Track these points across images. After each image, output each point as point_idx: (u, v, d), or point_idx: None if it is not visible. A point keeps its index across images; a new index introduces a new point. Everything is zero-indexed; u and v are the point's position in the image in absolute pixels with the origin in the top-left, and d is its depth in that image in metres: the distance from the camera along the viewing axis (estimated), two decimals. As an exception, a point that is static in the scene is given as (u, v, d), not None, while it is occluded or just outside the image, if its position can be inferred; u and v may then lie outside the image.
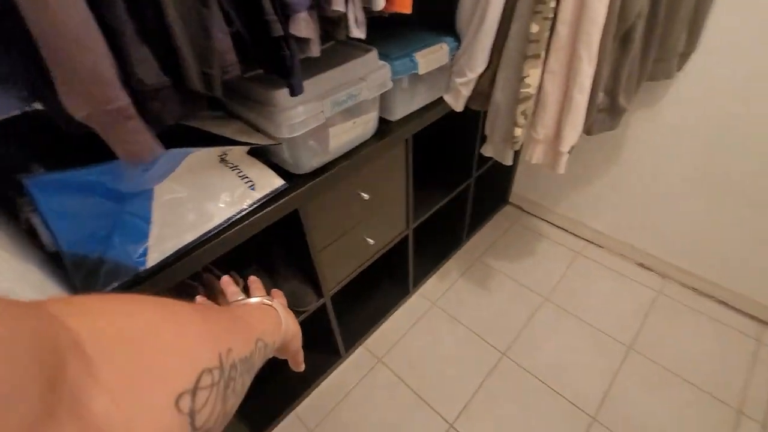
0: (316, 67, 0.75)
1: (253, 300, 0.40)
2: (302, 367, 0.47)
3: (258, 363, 0.30)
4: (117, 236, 0.62)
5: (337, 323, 1.21)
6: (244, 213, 0.75)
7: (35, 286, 0.47)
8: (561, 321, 1.43)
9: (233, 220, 0.74)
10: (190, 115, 0.46)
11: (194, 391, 0.20)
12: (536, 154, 0.95)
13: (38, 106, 0.40)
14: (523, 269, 1.62)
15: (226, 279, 0.49)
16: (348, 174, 0.90)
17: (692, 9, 0.92)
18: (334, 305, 1.14)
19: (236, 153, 0.79)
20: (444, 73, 1.03)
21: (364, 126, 0.90)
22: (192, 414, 0.19)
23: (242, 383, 0.26)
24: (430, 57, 0.92)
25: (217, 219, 0.72)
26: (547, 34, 0.78)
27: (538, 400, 1.23)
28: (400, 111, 0.99)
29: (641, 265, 1.59)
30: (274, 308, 0.39)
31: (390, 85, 0.86)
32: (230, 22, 0.47)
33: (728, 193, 1.25)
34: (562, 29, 0.77)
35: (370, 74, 0.81)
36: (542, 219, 1.83)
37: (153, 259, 0.65)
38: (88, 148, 0.50)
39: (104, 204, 0.61)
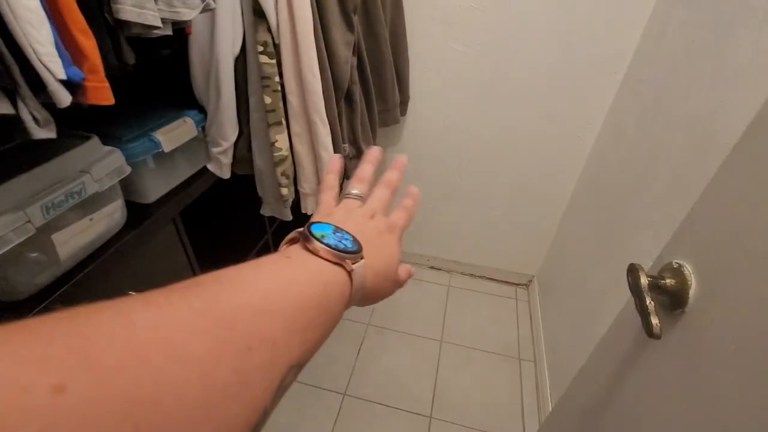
0: (13, 167, 0.61)
1: (328, 249, 0.25)
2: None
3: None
4: None
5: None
6: None
7: None
8: (385, 340, 1.55)
9: None
10: None
11: None
12: (309, 206, 1.02)
13: None
14: (343, 304, 1.69)
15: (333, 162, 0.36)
16: (100, 280, 0.76)
17: (393, 70, 1.17)
18: None
19: None
20: (201, 143, 1.00)
21: (107, 219, 0.78)
22: None
23: None
24: (174, 133, 0.87)
25: None
26: (281, 104, 0.86)
27: (382, 422, 1.30)
28: (155, 192, 0.90)
29: (432, 267, 1.89)
30: (347, 269, 0.25)
31: (128, 170, 0.77)
32: None
33: (467, 199, 1.63)
34: (293, 99, 0.86)
35: (94, 164, 0.71)
36: (349, 251, 1.97)
37: None
38: None
39: None
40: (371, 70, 1.04)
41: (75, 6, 0.50)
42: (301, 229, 0.26)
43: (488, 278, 1.85)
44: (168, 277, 0.97)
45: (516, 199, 1.58)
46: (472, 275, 1.86)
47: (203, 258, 1.10)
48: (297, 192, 1.03)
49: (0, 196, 0.58)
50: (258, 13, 0.77)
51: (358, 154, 1.10)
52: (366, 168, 0.37)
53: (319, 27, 0.80)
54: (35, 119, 0.50)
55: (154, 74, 0.90)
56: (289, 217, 1.07)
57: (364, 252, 0.27)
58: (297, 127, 0.89)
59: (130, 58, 0.64)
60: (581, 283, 1.22)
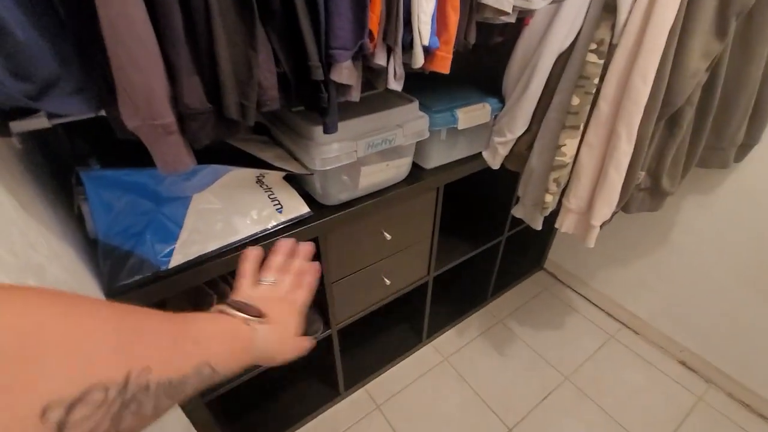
0: (358, 110, 0.80)
1: (239, 314, 0.36)
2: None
3: (196, 387, 0.28)
4: (149, 234, 0.68)
5: (341, 359, 1.19)
6: (267, 232, 0.79)
7: (66, 266, 0.53)
8: (580, 407, 1.30)
9: (256, 237, 0.78)
10: (223, 138, 0.51)
11: (72, 404, 0.18)
12: (567, 223, 0.92)
13: (103, 113, 0.47)
14: (547, 341, 1.52)
15: (250, 253, 0.44)
16: (373, 212, 0.93)
17: (753, 100, 0.88)
18: (341, 339, 1.13)
19: (272, 176, 0.85)
20: (485, 130, 1.06)
21: (396, 169, 0.93)
22: (61, 427, 0.18)
23: (155, 406, 0.23)
24: (471, 114, 0.95)
25: (241, 233, 0.76)
26: (587, 107, 0.78)
27: (541, 491, 1.12)
28: (435, 160, 1.02)
29: (683, 363, 1.43)
30: (251, 328, 0.36)
31: (426, 134, 0.89)
32: (279, 63, 0.53)
33: (790, 301, 1.12)
34: (604, 105, 0.77)
35: (407, 122, 0.85)
36: (576, 292, 1.73)
37: (176, 261, 0.70)
38: (141, 152, 0.57)
39: (144, 203, 0.68)
40: (721, 94, 0.81)
41: (458, -15, 0.58)
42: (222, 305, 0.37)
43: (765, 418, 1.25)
44: (413, 232, 1.10)
45: None
46: (747, 406, 1.30)
47: (443, 231, 1.19)
48: (557, 204, 0.95)
49: (344, 128, 0.78)
50: (608, 9, 0.71)
51: (653, 189, 0.91)
52: (275, 259, 0.45)
53: (677, 30, 0.67)
54: (395, 73, 0.62)
55: (475, 57, 0.99)
56: (539, 227, 1.01)
57: (269, 319, 0.38)
58: (593, 136, 0.80)
59: (473, 38, 0.71)
60: None
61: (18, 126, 0.46)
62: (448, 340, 1.53)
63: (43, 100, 0.40)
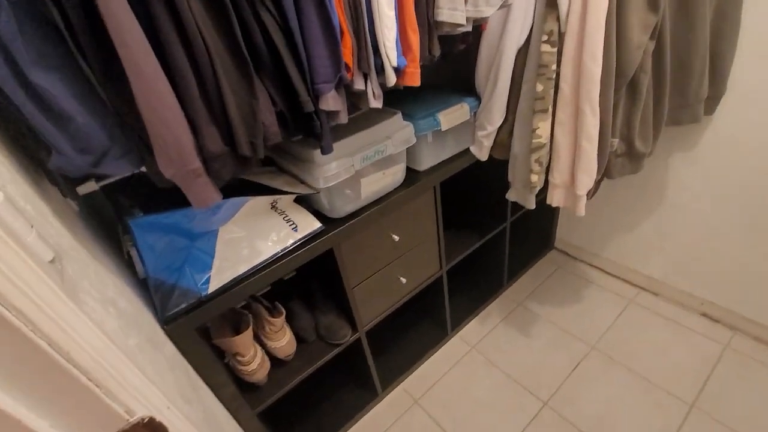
0: (349, 130, 0.91)
1: None
2: None
3: None
4: (188, 266, 0.79)
5: (374, 361, 1.27)
6: (287, 250, 0.89)
7: (129, 300, 0.64)
8: (609, 372, 1.35)
9: (278, 255, 0.88)
10: (240, 173, 0.61)
11: None
12: (556, 198, 1.00)
13: (143, 169, 0.58)
14: (568, 316, 1.57)
15: None
16: (378, 218, 1.02)
17: (707, 58, 0.95)
18: (371, 342, 1.21)
19: (284, 200, 0.95)
20: (469, 127, 1.15)
21: (392, 176, 1.02)
22: None
23: None
24: (452, 116, 1.04)
25: (265, 254, 0.86)
26: (552, 91, 0.87)
27: (583, 456, 1.16)
28: (426, 162, 1.11)
29: (705, 315, 1.46)
30: None
31: (414, 141, 0.99)
32: (275, 104, 0.64)
33: (790, 236, 1.16)
34: (565, 87, 0.85)
35: (395, 133, 0.95)
36: (590, 264, 1.77)
37: (213, 286, 0.80)
38: (172, 198, 0.68)
39: (181, 241, 0.78)
40: (673, 57, 0.89)
41: (413, 12, 0.69)
42: None
43: (806, 361, 1.27)
44: (418, 231, 1.18)
45: None
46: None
47: (449, 227, 1.27)
48: (546, 182, 1.03)
49: (341, 147, 0.88)
50: (550, 3, 0.80)
51: (629, 152, 0.98)
52: None
53: (614, 10, 0.76)
54: (374, 94, 0.72)
55: (447, 65, 1.09)
56: (533, 206, 1.08)
57: None
58: (562, 115, 0.89)
59: (437, 51, 0.81)
60: None
61: (80, 189, 0.58)
62: (472, 329, 1.59)
63: (101, 166, 0.51)
